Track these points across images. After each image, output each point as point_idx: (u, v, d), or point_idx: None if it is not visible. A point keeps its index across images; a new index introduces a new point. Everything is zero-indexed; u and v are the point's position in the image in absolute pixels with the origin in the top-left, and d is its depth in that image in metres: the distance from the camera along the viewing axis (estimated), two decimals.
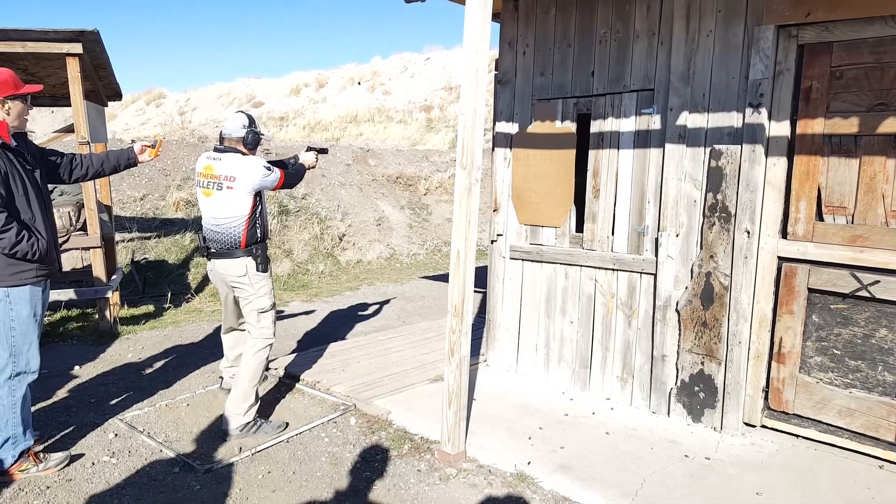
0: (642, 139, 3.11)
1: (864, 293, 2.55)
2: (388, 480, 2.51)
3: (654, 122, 3.05)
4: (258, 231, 2.89)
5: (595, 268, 3.31)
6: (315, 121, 17.86)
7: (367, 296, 6.43)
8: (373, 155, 11.00)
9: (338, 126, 16.85)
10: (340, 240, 8.45)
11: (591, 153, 3.30)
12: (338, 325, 5.17)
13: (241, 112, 2.98)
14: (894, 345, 2.53)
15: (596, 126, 3.27)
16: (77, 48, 4.20)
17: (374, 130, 15.87)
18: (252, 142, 2.91)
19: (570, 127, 3.37)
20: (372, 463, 2.65)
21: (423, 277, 7.60)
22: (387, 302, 6.09)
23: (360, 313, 5.63)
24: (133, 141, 9.40)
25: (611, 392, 3.29)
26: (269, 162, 2.97)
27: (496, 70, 3.70)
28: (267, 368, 3.09)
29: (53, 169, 2.59)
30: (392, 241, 9.07)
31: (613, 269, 3.24)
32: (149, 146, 2.75)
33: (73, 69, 4.27)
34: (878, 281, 2.51)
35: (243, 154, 2.89)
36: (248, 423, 2.85)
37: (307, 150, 3.32)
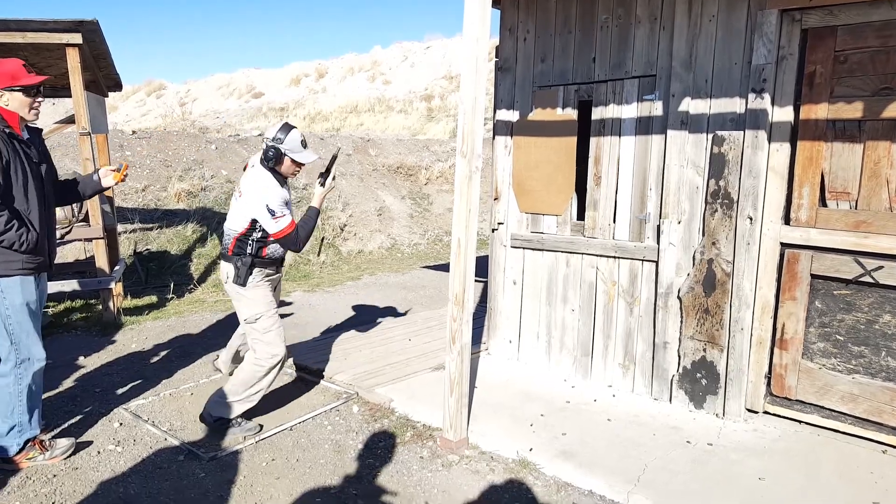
0: (644, 126, 3.08)
1: (867, 279, 2.54)
2: (391, 467, 2.53)
3: (656, 109, 3.03)
4: (247, 248, 2.72)
5: (596, 255, 3.30)
6: (315, 111, 17.79)
7: (368, 286, 6.44)
8: (373, 145, 10.96)
9: (338, 116, 16.78)
10: (342, 230, 8.46)
11: (593, 140, 3.28)
12: (340, 314, 5.19)
13: (287, 124, 2.72)
14: None
15: (597, 113, 3.24)
16: (77, 38, 4.18)
17: (375, 120, 15.81)
18: (270, 157, 2.66)
19: (572, 114, 3.35)
20: (375, 450, 2.67)
21: (424, 267, 7.61)
22: (388, 292, 6.10)
23: (361, 303, 5.64)
24: (133, 132, 9.37)
25: (612, 379, 3.30)
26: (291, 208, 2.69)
27: (496, 57, 3.67)
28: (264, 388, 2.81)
29: None
30: (393, 231, 9.07)
31: (615, 257, 3.23)
32: (113, 170, 2.66)
33: (73, 59, 4.25)
34: (882, 266, 2.50)
35: (273, 171, 2.69)
36: (222, 418, 2.77)
37: (318, 181, 2.88)
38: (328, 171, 2.83)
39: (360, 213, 8.90)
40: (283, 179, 2.77)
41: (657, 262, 3.07)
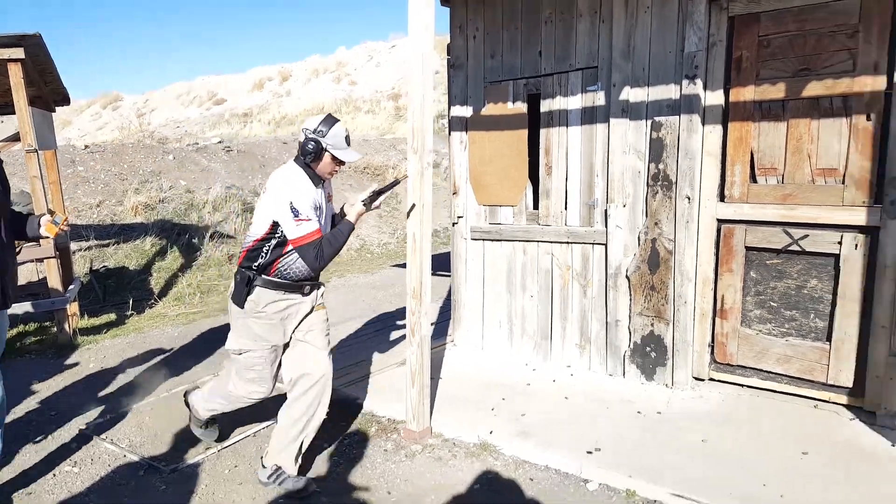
0: (589, 116, 3.19)
1: (795, 247, 2.71)
2: (356, 463, 2.56)
3: (599, 99, 3.14)
4: (258, 258, 2.30)
5: (551, 242, 3.40)
6: (280, 115, 17.55)
7: (336, 288, 6.42)
8: None
9: (304, 120, 16.59)
10: None
11: (543, 132, 3.38)
12: None
13: (330, 115, 2.38)
14: (824, 293, 2.70)
15: (545, 105, 3.34)
16: (18, 53, 4.07)
17: (343, 122, 15.69)
18: (308, 152, 2.26)
19: (522, 107, 3.43)
20: (340, 448, 2.69)
21: (393, 266, 7.62)
22: (357, 293, 6.10)
23: (329, 307, 5.61)
24: (86, 146, 9.09)
25: (570, 359, 3.40)
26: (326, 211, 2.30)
27: (449, 55, 3.73)
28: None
29: None
30: (362, 231, 9.06)
31: (568, 243, 3.34)
32: (51, 221, 2.42)
33: (16, 75, 4.13)
34: (808, 235, 2.67)
35: (308, 169, 2.31)
36: (198, 422, 2.73)
37: (364, 199, 2.43)
38: (381, 192, 2.47)
39: None
40: (318, 180, 2.34)
41: (606, 245, 3.18)
